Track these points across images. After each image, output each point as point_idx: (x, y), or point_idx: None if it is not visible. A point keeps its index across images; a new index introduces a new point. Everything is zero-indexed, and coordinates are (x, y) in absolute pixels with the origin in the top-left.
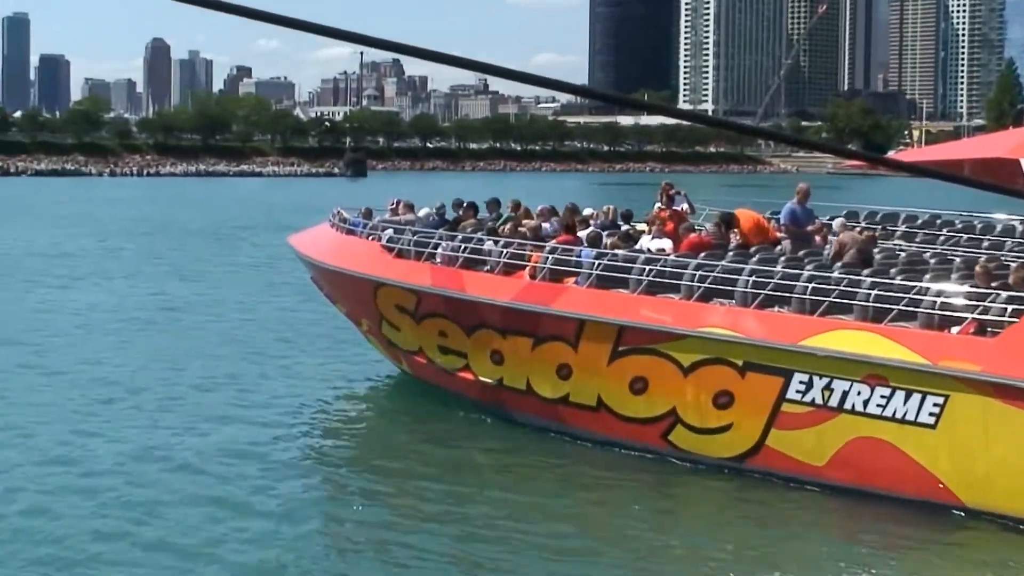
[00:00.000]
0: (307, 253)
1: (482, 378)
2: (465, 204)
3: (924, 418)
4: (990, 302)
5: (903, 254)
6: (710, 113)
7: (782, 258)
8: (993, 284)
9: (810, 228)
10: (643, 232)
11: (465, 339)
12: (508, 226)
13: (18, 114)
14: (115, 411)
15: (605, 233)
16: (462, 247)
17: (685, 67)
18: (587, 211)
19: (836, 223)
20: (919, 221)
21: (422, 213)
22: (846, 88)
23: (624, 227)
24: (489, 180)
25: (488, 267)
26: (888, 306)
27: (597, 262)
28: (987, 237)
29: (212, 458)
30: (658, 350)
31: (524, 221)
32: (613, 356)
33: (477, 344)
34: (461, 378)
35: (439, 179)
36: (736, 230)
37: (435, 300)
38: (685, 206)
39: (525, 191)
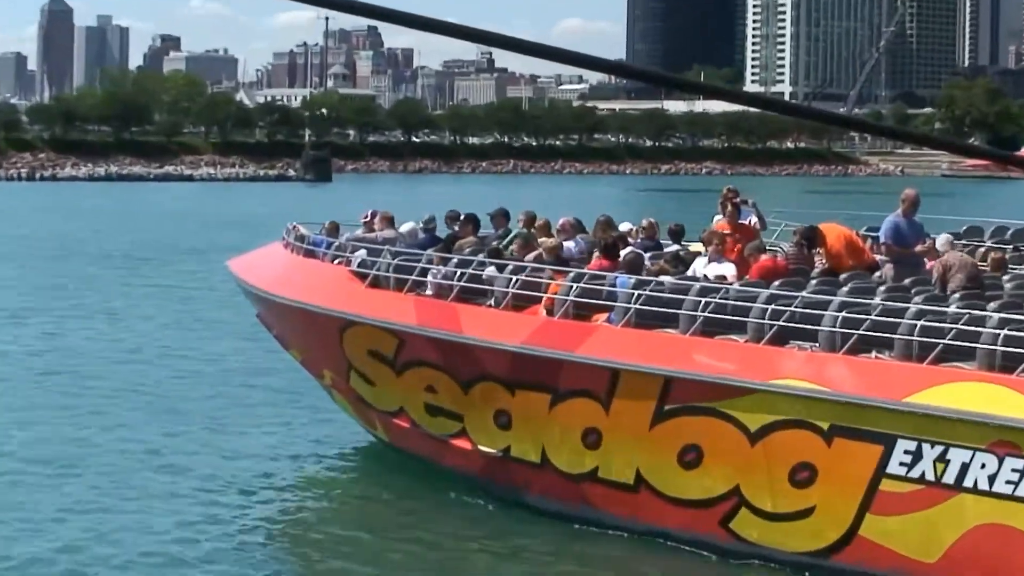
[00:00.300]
0: (252, 282)
1: (483, 447)
2: (462, 217)
3: None
4: None
5: None
6: (787, 97)
7: (881, 287)
8: None
9: (918, 248)
10: (698, 253)
11: (461, 395)
12: (519, 246)
13: None
14: None
15: (648, 255)
16: (458, 273)
17: (754, 36)
18: (624, 226)
19: (940, 240)
20: None
21: (405, 229)
22: (966, 64)
23: (673, 247)
24: (494, 186)
25: (492, 300)
26: (1023, 351)
27: (636, 293)
28: None
29: (132, 567)
30: (717, 410)
31: (540, 239)
32: (657, 417)
33: (477, 402)
34: (455, 447)
35: (428, 184)
36: (821, 251)
37: (422, 344)
38: (754, 219)
39: (542, 200)
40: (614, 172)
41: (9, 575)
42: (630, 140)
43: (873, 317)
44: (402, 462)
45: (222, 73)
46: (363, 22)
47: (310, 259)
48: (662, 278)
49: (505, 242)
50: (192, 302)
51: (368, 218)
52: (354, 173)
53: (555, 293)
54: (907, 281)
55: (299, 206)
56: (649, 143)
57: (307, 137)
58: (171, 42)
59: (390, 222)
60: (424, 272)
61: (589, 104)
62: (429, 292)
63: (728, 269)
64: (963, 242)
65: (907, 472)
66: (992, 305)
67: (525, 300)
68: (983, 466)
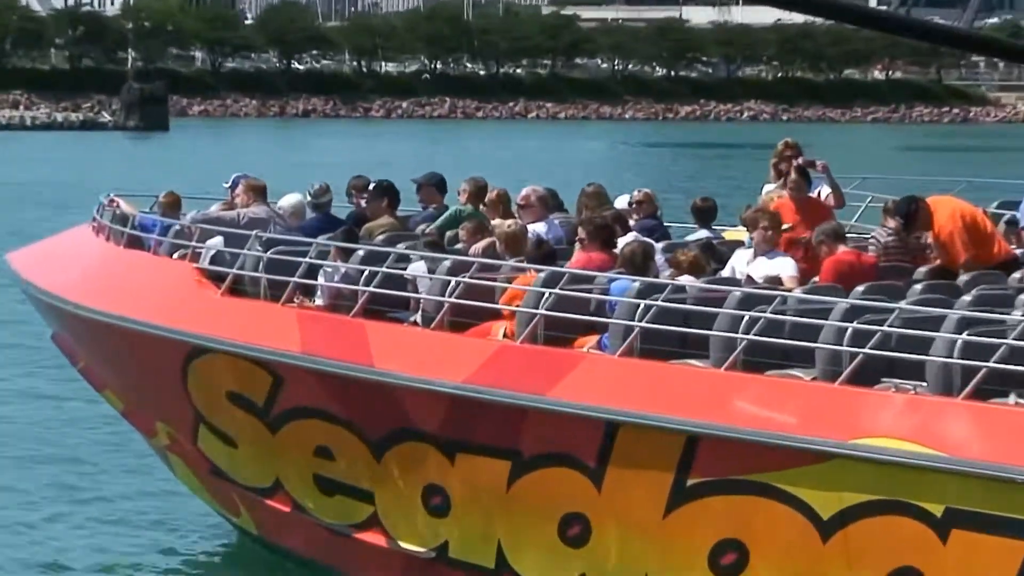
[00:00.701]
0: (44, 286)
1: (405, 544)
2: (373, 188)
3: None
4: None
5: None
6: (873, 2)
7: (1023, 296)
8: None
9: None
10: (738, 243)
11: (372, 463)
12: (465, 231)
13: None
14: None
15: (659, 246)
16: (366, 274)
17: None
18: (621, 201)
19: None
20: None
21: (287, 204)
22: None
23: (699, 233)
24: (422, 138)
25: (419, 315)
26: None
27: (643, 304)
28: None
29: None
30: (770, 485)
31: (494, 222)
32: (677, 497)
33: (396, 474)
34: (363, 544)
35: (320, 135)
36: (928, 237)
37: (310, 383)
38: (825, 191)
39: (496, 160)
40: (606, 117)
41: None
42: (630, 67)
43: (1011, 342)
44: (278, 566)
45: None
46: None
47: (136, 251)
48: (682, 280)
49: (438, 224)
50: None
51: (230, 184)
52: (204, 118)
53: (517, 304)
54: None
55: (119, 168)
56: (660, 72)
57: (130, 63)
58: None
59: (260, 194)
60: (313, 271)
61: (566, 12)
62: (321, 302)
63: (785, 267)
64: None
65: None
66: None
67: (471, 315)
68: None
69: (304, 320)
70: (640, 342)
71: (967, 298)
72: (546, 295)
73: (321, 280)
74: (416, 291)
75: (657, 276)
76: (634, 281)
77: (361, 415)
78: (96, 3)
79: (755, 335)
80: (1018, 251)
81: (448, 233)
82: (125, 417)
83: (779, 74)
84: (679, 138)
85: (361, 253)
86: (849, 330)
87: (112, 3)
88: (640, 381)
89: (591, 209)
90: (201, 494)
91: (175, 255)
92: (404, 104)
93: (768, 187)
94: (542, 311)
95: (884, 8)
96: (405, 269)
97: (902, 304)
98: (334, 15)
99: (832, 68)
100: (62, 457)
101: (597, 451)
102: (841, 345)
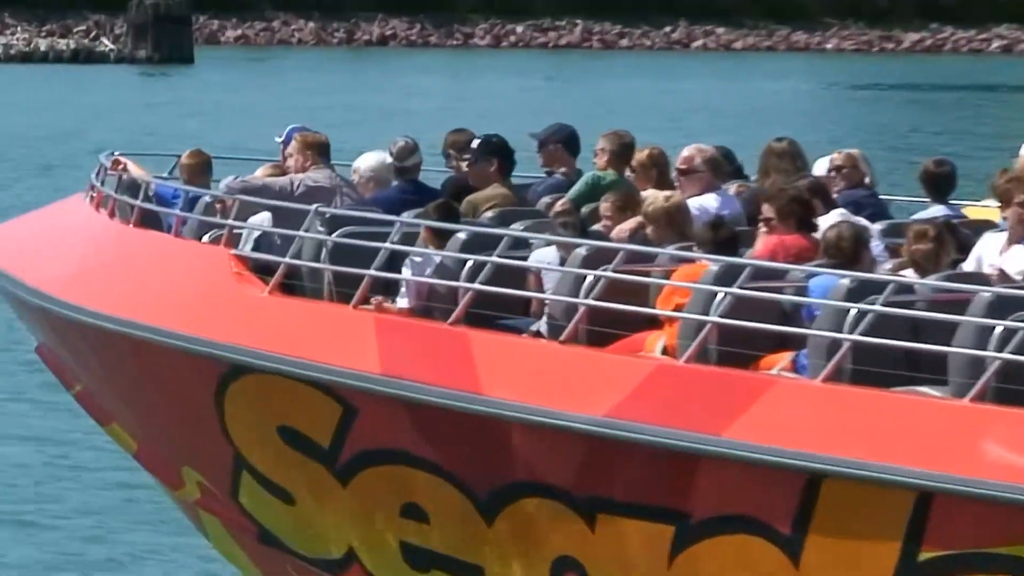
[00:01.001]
0: (24, 279)
1: None
2: (478, 145)
3: None
4: None
5: None
6: None
7: None
8: None
9: None
10: (985, 224)
11: (480, 527)
12: (609, 206)
13: None
14: None
15: (876, 228)
16: (468, 266)
17: None
18: (821, 165)
19: None
20: None
21: (364, 167)
22: None
23: (933, 210)
24: (543, 77)
25: (543, 322)
26: None
27: (856, 309)
28: None
29: None
30: None
31: (645, 193)
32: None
33: (514, 542)
34: None
35: (403, 73)
36: None
37: (393, 416)
38: None
39: (649, 109)
40: (800, 48)
41: None
42: None
43: None
44: None
45: None
46: None
47: (150, 231)
48: (909, 277)
49: (570, 196)
50: None
51: (283, 138)
52: (242, 47)
53: (680, 308)
54: None
55: (125, 116)
56: None
57: None
58: None
59: (322, 153)
60: (397, 261)
61: None
62: (407, 304)
63: None
64: None
65: None
66: None
67: (617, 323)
68: None
69: (384, 329)
70: (852, 361)
71: None
72: (721, 296)
73: (407, 274)
74: (540, 289)
75: (873, 269)
76: (843, 277)
77: (464, 462)
78: None
79: (1012, 354)
80: None
81: (583, 209)
82: (139, 461)
83: None
84: (901, 77)
85: (463, 236)
86: None
87: None
88: (852, 417)
89: (782, 175)
90: (244, 567)
91: (205, 237)
92: (519, 29)
93: None
94: (715, 318)
95: None
96: (525, 259)
97: None
98: None
99: None
100: (60, 513)
101: (794, 513)
102: None
